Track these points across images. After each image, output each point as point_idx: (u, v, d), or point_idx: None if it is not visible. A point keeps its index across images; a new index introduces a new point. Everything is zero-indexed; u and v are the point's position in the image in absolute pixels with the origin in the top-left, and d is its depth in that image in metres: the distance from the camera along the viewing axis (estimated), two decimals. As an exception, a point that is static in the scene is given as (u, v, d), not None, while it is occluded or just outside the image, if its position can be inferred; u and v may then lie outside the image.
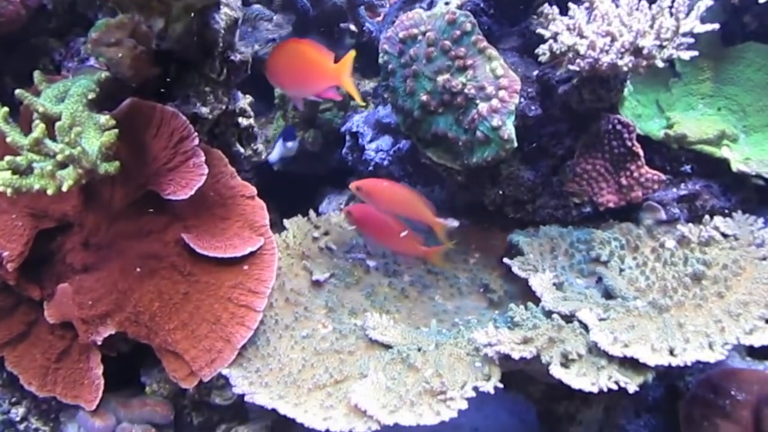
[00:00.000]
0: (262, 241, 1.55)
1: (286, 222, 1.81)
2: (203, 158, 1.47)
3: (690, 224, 1.58)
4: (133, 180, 1.50)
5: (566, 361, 1.37)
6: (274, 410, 1.45)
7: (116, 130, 1.28)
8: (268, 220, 1.58)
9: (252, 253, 1.54)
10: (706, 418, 1.63)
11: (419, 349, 1.48)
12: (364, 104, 1.86)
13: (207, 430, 1.78)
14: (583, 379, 1.33)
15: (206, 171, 1.47)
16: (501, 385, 1.42)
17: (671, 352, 1.32)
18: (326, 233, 1.81)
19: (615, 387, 1.32)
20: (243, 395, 1.49)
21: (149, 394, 1.70)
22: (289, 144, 2.17)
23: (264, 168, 2.31)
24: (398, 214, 1.62)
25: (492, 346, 1.40)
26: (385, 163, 2.01)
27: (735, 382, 1.61)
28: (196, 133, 1.47)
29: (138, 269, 1.51)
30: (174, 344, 1.50)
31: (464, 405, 1.40)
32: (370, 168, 2.05)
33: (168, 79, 1.51)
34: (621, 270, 1.54)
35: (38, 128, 1.23)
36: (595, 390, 1.32)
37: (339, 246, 1.79)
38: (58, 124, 1.23)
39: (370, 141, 2.09)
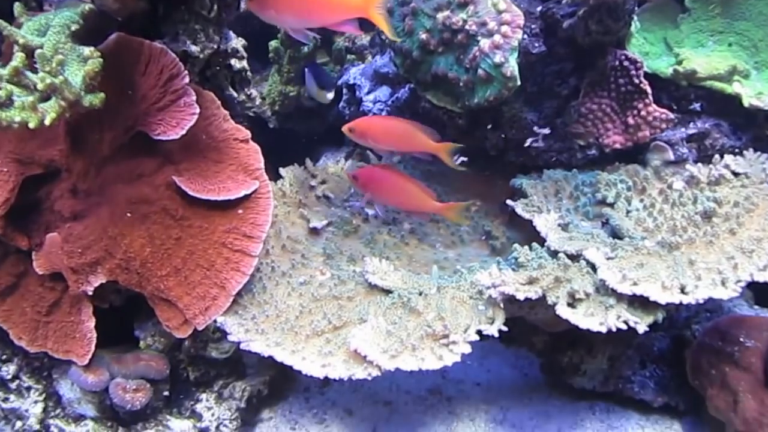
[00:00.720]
0: (257, 185, 1.48)
1: (282, 170, 1.74)
2: (194, 97, 1.40)
3: (699, 164, 1.52)
4: (121, 121, 1.42)
5: (573, 301, 1.31)
6: (271, 359, 1.40)
7: (101, 59, 1.21)
8: (262, 164, 1.51)
9: (247, 197, 1.47)
10: (714, 366, 1.58)
11: (420, 293, 1.42)
12: (396, 39, 1.61)
13: (203, 385, 1.73)
14: (591, 319, 1.27)
15: (197, 111, 1.40)
16: (506, 329, 1.36)
17: (682, 290, 1.26)
18: (323, 182, 1.74)
19: (624, 326, 1.27)
20: (239, 345, 1.43)
21: (144, 348, 1.64)
22: (328, 94, 1.93)
23: (258, 123, 2.24)
24: (397, 149, 1.54)
25: (496, 287, 1.34)
26: (384, 113, 1.94)
27: (743, 329, 1.56)
28: (186, 72, 1.40)
29: (128, 214, 1.44)
30: (167, 291, 1.44)
31: (467, 349, 1.34)
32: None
33: (156, 16, 1.43)
34: (628, 212, 1.48)
35: (18, 57, 1.16)
36: (603, 330, 1.26)
37: (336, 194, 1.72)
38: (38, 52, 1.16)
39: (368, 93, 2.02)
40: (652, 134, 1.54)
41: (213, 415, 1.71)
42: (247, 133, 1.53)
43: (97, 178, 1.47)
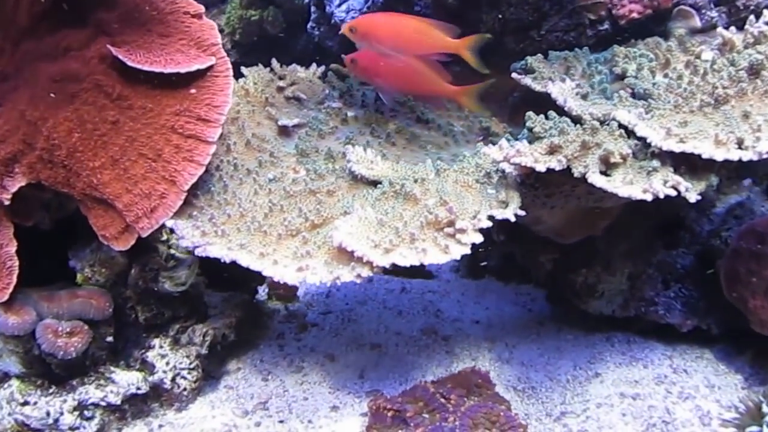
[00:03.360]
0: (214, 61, 1.18)
1: (244, 70, 1.44)
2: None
3: (732, 27, 1.26)
4: (41, -22, 1.12)
5: (607, 169, 1.03)
6: (234, 263, 1.09)
7: None
8: (219, 40, 1.21)
9: (201, 75, 1.17)
10: (753, 272, 1.32)
11: (416, 180, 1.13)
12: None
13: (156, 328, 1.40)
14: (632, 186, 0.99)
15: (135, -36, 1.10)
16: (522, 213, 1.08)
17: (740, 145, 0.99)
18: (293, 83, 1.44)
19: (672, 192, 0.99)
20: (194, 251, 1.11)
21: (81, 282, 1.32)
22: None
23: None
24: (408, 51, 1.26)
25: (509, 159, 1.05)
26: (359, 20, 1.66)
27: (787, 227, 1.31)
28: None
29: (52, 95, 1.12)
30: (101, 188, 1.12)
31: (478, 238, 1.05)
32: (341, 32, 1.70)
33: None
34: (654, 84, 1.21)
35: None
36: (648, 197, 0.98)
37: (309, 97, 1.43)
38: None
39: (339, 4, 1.74)
40: (675, -2, 1.29)
41: (168, 364, 1.39)
42: (201, 8, 1.23)
43: (15, 56, 1.15)
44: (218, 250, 1.07)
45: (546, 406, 1.36)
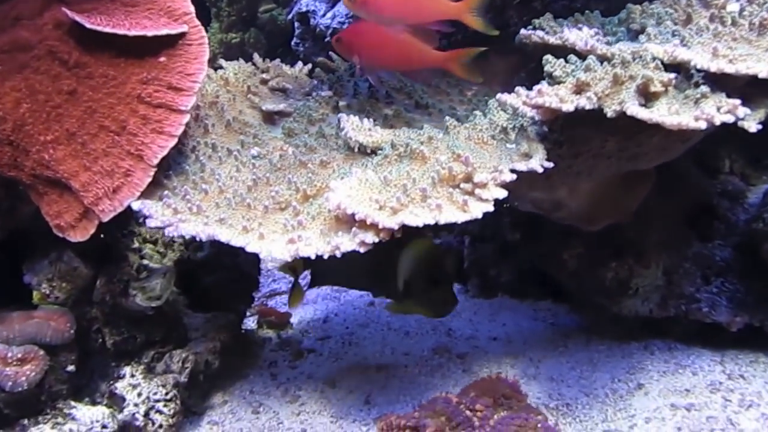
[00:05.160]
0: (186, 28, 1.02)
1: (223, 62, 1.28)
2: None
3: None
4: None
5: (646, 102, 0.86)
6: (215, 244, 0.88)
7: None
8: (192, 9, 1.06)
9: (172, 43, 1.00)
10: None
11: (422, 142, 0.95)
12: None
13: (127, 356, 1.18)
14: (680, 116, 0.81)
15: None
16: (550, 164, 0.89)
17: (799, 63, 0.82)
18: (278, 76, 1.28)
19: (729, 118, 0.81)
20: (164, 230, 0.91)
21: (38, 301, 1.11)
22: None
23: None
24: (410, 18, 1.11)
25: (531, 101, 0.88)
26: (347, 23, 1.53)
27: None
28: None
29: (-1, 66, 0.95)
30: (55, 165, 0.93)
31: (500, 193, 0.86)
32: (327, 38, 1.57)
33: None
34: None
35: None
36: (701, 125, 0.80)
37: (297, 88, 1.26)
38: None
39: (324, 14, 1.61)
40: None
41: (140, 395, 1.16)
42: (171, -21, 1.08)
43: (-43, 32, 0.98)
44: (192, 226, 0.87)
45: (585, 425, 1.13)
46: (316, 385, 1.27)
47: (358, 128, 0.98)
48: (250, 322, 1.50)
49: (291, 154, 1.01)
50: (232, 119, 1.11)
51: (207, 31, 1.78)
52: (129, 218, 1.21)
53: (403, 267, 1.11)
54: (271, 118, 1.16)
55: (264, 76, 1.26)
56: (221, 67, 1.25)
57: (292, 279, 1.52)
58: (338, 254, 0.83)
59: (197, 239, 0.87)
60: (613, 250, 1.24)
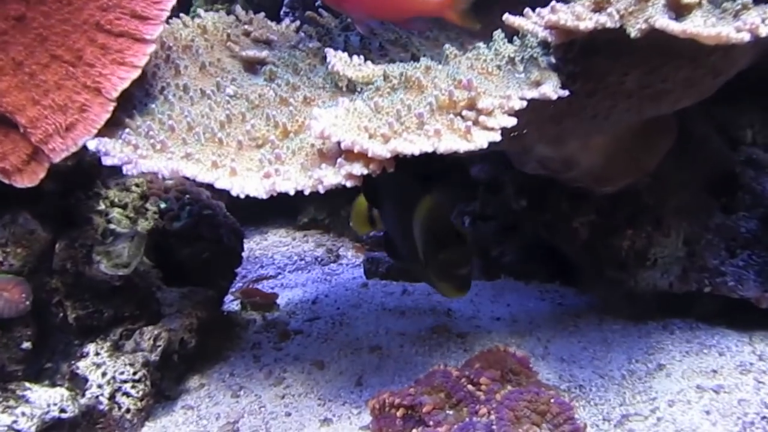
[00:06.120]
0: (153, -46, 0.90)
1: (201, 11, 1.15)
2: None
3: None
4: None
5: (677, 17, 0.73)
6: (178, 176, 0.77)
7: None
8: (162, -62, 0.94)
9: (136, -31, 0.88)
10: None
11: (419, 72, 0.82)
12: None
13: (92, 333, 1.05)
14: (718, 28, 0.69)
15: None
16: (565, 92, 0.76)
17: None
18: (262, 28, 1.16)
19: (776, 30, 0.69)
20: (122, 170, 0.77)
21: (-10, 270, 0.98)
22: None
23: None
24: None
25: (543, 20, 0.75)
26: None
27: None
28: None
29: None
30: (-1, 99, 0.80)
31: (509, 121, 0.73)
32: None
33: None
34: None
35: None
36: (745, 37, 0.68)
37: (282, 41, 1.14)
38: None
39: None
40: None
41: (104, 375, 1.03)
42: None
43: None
44: (154, 162, 0.74)
45: (601, 409, 0.99)
46: (302, 366, 1.13)
47: (346, 63, 0.86)
48: (233, 305, 1.36)
49: (271, 91, 0.88)
50: (208, 63, 0.98)
51: (190, 6, 1.67)
52: (94, 179, 1.09)
53: (419, 237, 1.00)
54: (252, 67, 1.03)
55: (247, 27, 1.14)
56: (199, 17, 1.13)
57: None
58: (321, 189, 0.70)
59: (159, 176, 0.74)
60: (629, 216, 1.12)
